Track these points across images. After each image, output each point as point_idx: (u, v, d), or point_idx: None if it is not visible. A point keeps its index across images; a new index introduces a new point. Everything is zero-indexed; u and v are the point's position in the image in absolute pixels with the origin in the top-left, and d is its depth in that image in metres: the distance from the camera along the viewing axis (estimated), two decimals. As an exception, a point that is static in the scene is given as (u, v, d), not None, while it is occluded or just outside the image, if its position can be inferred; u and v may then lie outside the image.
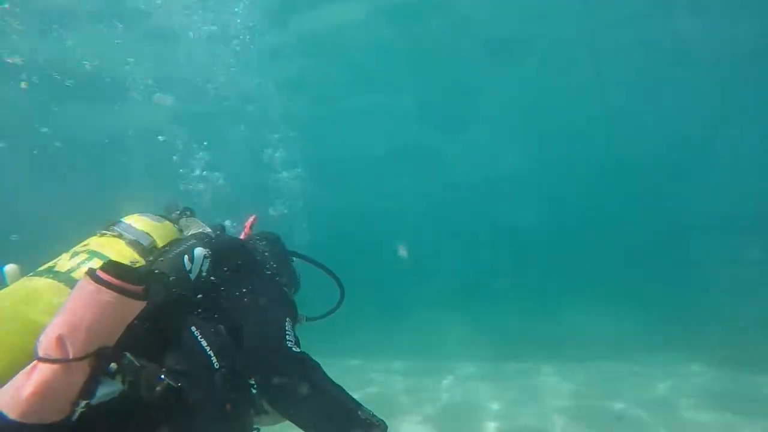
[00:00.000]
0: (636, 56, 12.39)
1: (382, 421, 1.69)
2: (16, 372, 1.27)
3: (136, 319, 1.45)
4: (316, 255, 2.47)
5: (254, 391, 1.85)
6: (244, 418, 1.80)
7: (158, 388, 1.43)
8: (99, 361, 1.32)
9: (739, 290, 10.97)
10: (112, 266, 1.42)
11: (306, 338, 1.95)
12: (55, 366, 1.24)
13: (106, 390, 1.33)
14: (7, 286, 1.60)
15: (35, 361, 1.26)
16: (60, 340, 1.27)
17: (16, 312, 1.44)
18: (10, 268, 1.66)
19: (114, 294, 1.36)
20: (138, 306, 1.43)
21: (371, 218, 18.38)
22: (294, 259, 2.44)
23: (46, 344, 1.27)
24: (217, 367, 1.67)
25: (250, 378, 1.83)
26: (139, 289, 1.42)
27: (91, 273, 1.38)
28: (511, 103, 13.90)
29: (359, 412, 1.66)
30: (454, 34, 11.32)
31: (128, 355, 1.39)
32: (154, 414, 1.46)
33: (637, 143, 14.96)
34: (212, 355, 1.67)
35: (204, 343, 1.67)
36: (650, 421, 6.05)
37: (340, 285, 2.49)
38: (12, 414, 1.20)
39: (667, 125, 14.39)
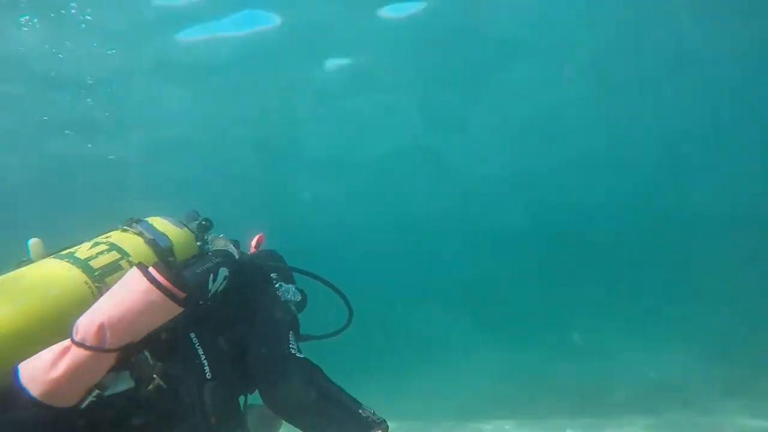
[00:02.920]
0: (636, 56, 12.40)
1: (384, 420, 1.68)
2: (27, 344, 1.32)
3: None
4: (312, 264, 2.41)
5: (245, 401, 1.92)
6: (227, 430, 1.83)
7: (150, 387, 1.48)
8: (124, 355, 1.39)
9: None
10: (163, 268, 1.49)
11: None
12: (88, 353, 1.30)
13: (119, 384, 1.39)
14: (30, 258, 1.70)
15: (68, 343, 1.31)
16: (101, 329, 1.32)
17: (34, 288, 1.48)
18: (33, 241, 1.74)
19: (162, 296, 1.43)
20: (176, 311, 1.50)
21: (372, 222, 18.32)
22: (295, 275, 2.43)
23: (85, 330, 1.32)
24: (209, 377, 1.71)
25: (242, 394, 1.90)
26: (183, 294, 1.50)
27: (143, 269, 1.45)
28: (512, 104, 13.90)
29: (360, 411, 1.66)
30: (456, 34, 11.31)
31: (146, 353, 1.48)
32: (141, 414, 1.50)
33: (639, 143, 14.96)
34: (206, 364, 1.72)
35: (200, 351, 1.73)
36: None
37: (348, 304, 2.44)
38: (34, 392, 1.24)
39: (668, 124, 14.40)
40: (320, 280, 2.36)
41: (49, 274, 1.56)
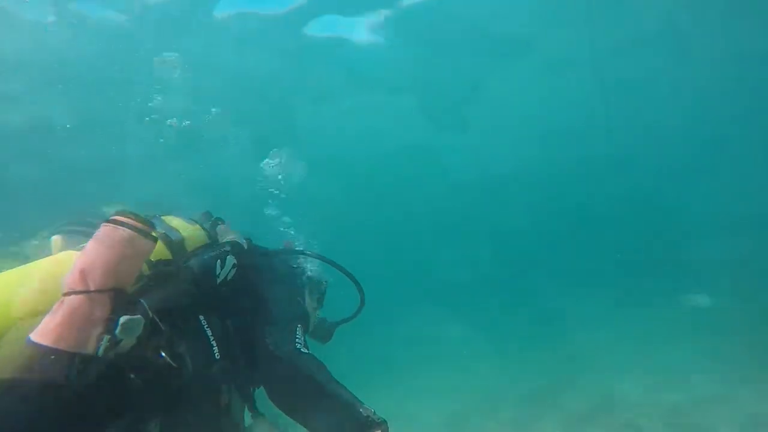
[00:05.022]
0: (637, 56, 12.42)
1: (384, 420, 1.68)
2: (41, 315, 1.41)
3: (155, 313, 1.57)
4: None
5: (253, 391, 1.96)
6: (236, 415, 1.87)
7: (159, 361, 1.54)
8: (117, 299, 1.47)
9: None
10: (122, 211, 1.60)
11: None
12: (79, 296, 1.41)
13: (128, 319, 1.45)
14: (52, 254, 1.79)
15: (62, 298, 1.41)
16: (82, 274, 1.44)
17: (50, 274, 1.59)
18: (55, 238, 1.86)
19: (127, 230, 1.53)
20: (149, 247, 1.59)
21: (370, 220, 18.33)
22: (308, 259, 2.52)
23: (71, 280, 1.44)
24: (217, 357, 1.77)
25: (253, 379, 1.92)
26: (148, 228, 1.58)
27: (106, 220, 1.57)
28: (512, 103, 13.90)
29: (361, 410, 1.67)
30: (455, 33, 11.30)
31: (143, 301, 1.55)
32: (149, 392, 1.54)
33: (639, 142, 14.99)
34: (215, 345, 1.78)
35: (209, 332, 1.79)
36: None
37: (360, 289, 2.53)
38: (45, 340, 1.34)
39: (667, 125, 14.43)
40: (330, 263, 2.43)
41: (65, 261, 1.64)
